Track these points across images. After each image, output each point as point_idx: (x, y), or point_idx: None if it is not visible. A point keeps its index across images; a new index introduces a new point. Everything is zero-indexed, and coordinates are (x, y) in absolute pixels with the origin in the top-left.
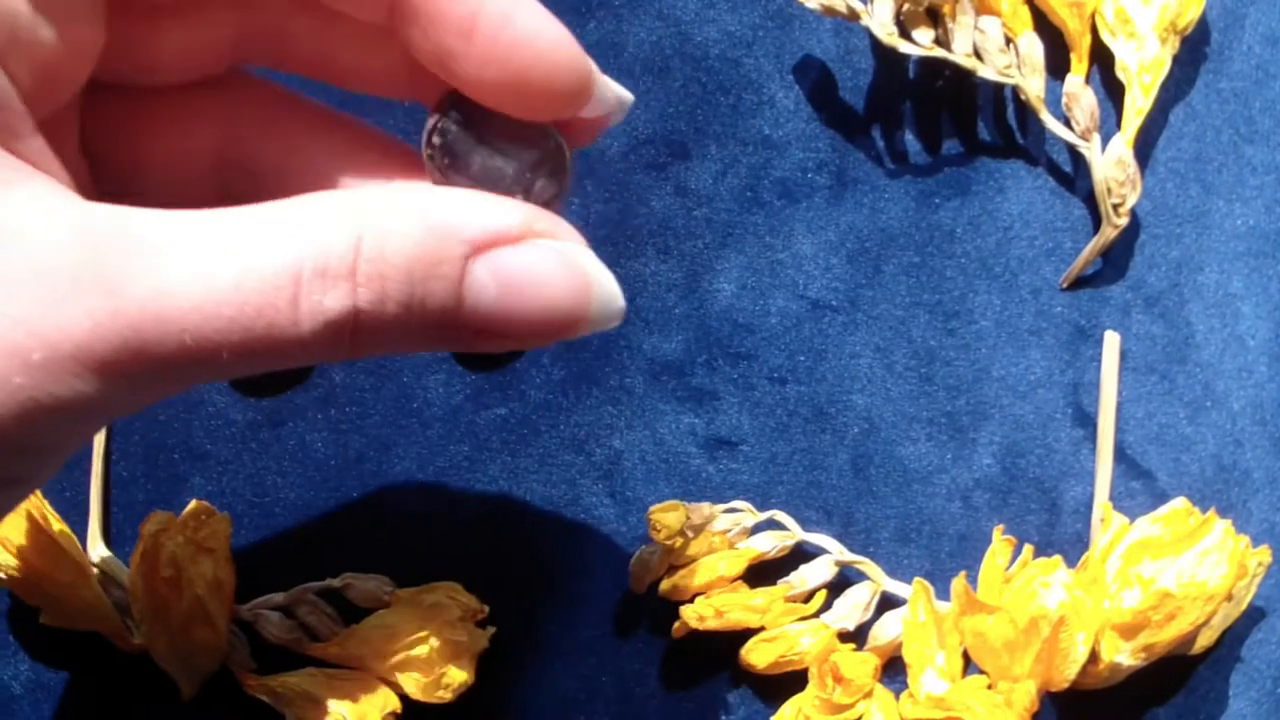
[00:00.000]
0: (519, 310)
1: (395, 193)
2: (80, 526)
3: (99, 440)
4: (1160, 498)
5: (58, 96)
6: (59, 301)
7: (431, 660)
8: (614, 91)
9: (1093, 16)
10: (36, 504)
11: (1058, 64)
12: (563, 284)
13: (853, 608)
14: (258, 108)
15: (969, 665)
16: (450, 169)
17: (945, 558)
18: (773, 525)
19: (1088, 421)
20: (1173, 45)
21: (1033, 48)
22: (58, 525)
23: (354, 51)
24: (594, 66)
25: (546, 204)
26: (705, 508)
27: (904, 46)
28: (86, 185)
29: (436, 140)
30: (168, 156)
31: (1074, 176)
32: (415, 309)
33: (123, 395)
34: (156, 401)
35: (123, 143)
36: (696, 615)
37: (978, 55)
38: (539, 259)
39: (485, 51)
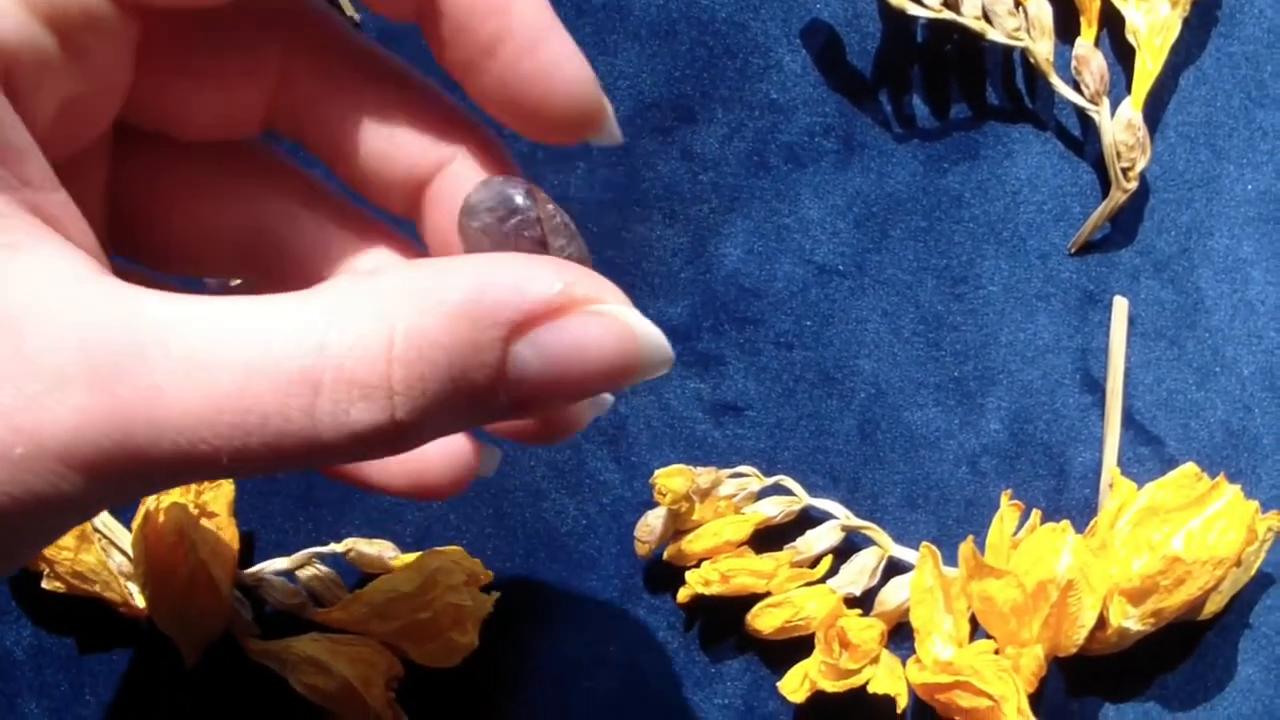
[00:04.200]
0: (564, 380)
1: (421, 278)
2: None
3: None
4: (1169, 463)
5: (80, 135)
6: (44, 394)
7: (435, 625)
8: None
9: None
10: None
11: (1067, 27)
12: (609, 348)
13: (859, 573)
14: (287, 181)
15: (976, 630)
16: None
17: (952, 523)
18: (779, 490)
19: (1096, 387)
20: (1183, 8)
21: (1042, 11)
22: None
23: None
24: (607, 105)
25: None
26: (711, 472)
27: (912, 9)
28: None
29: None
30: (194, 222)
31: (1083, 141)
32: (458, 401)
33: (108, 494)
34: (147, 497)
35: (150, 202)
36: (702, 580)
37: (986, 18)
38: (583, 328)
39: (503, 72)
